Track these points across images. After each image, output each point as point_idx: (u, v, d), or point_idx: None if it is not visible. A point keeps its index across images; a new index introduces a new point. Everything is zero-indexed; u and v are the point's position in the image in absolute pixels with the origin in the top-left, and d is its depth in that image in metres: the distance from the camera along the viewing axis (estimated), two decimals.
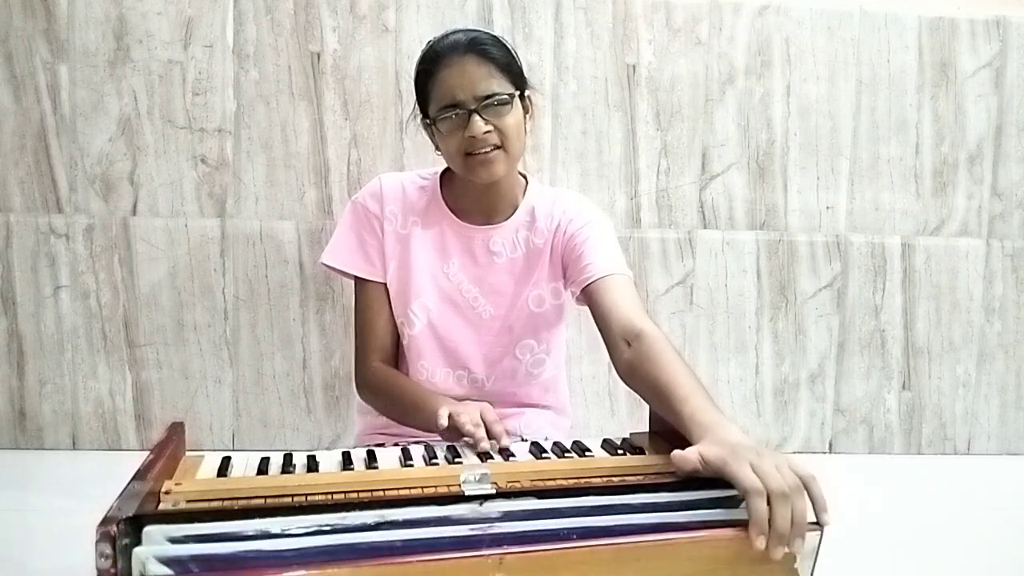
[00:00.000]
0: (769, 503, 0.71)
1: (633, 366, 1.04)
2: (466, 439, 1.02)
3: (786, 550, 0.72)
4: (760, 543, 0.71)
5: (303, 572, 0.65)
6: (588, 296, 1.21)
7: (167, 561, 0.65)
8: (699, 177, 1.78)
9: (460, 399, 1.23)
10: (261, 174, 1.69)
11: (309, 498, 0.77)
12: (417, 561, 0.67)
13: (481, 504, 0.73)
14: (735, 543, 0.72)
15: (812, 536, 0.73)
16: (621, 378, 1.09)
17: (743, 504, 0.73)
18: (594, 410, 1.78)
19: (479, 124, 1.17)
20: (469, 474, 0.77)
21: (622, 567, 0.71)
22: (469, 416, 1.03)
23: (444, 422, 1.03)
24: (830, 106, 1.79)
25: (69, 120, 1.65)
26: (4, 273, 1.67)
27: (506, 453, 0.96)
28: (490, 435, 1.02)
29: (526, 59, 1.67)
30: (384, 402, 1.30)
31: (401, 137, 1.69)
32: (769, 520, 0.71)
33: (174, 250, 1.69)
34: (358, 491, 0.78)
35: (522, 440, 1.07)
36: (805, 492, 0.73)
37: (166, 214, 1.68)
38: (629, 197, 1.76)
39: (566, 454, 0.94)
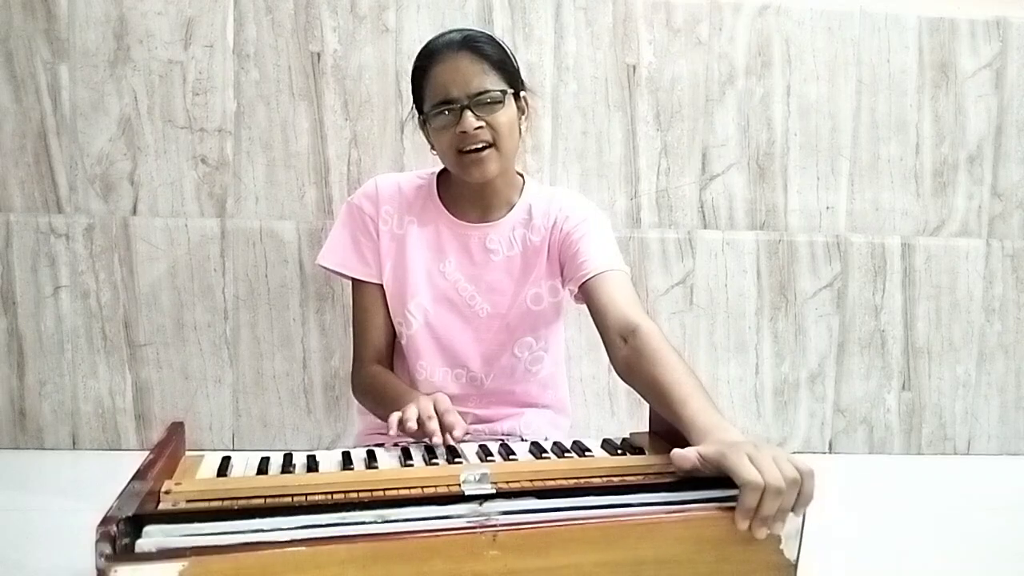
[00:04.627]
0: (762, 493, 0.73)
1: (630, 363, 1.05)
2: (424, 437, 1.00)
3: (768, 532, 0.74)
4: (743, 526, 0.73)
5: (303, 548, 0.66)
6: (585, 293, 1.21)
7: None
8: (699, 177, 1.78)
9: (458, 398, 1.23)
10: (261, 174, 1.69)
11: (309, 498, 0.77)
12: (412, 539, 0.68)
13: (481, 504, 0.73)
14: (722, 523, 0.74)
15: (794, 519, 0.75)
16: (619, 375, 1.09)
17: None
18: (594, 410, 1.78)
19: (470, 120, 1.17)
20: (469, 474, 0.77)
21: (611, 544, 0.73)
22: (421, 409, 1.00)
23: (393, 431, 1.00)
24: (830, 106, 1.79)
25: (69, 120, 1.65)
26: (4, 273, 1.67)
27: (506, 451, 0.96)
28: (443, 426, 0.99)
29: (526, 59, 1.68)
30: (371, 404, 1.29)
31: (401, 137, 1.69)
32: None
33: (174, 250, 1.69)
34: (358, 491, 0.78)
35: (522, 440, 1.07)
36: (800, 486, 0.74)
37: (166, 214, 1.68)
38: (629, 197, 1.76)
39: (566, 454, 0.94)
